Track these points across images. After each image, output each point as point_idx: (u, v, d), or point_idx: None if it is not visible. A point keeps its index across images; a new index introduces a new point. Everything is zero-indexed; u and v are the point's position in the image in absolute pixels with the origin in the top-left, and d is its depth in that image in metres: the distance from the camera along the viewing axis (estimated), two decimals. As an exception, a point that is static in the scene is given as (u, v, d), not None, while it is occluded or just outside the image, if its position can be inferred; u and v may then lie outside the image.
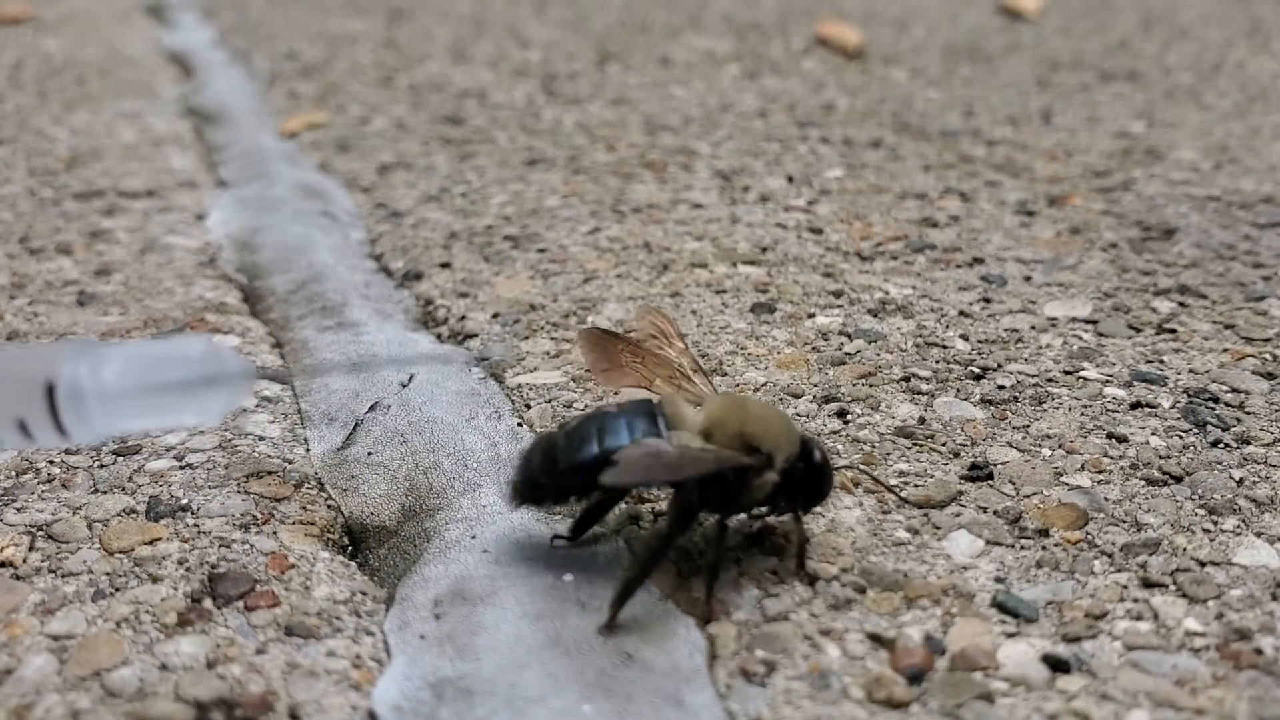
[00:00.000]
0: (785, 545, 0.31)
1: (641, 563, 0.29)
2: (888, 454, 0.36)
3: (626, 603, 0.28)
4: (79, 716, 0.26)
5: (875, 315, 0.46)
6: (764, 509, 0.31)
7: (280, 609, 0.29)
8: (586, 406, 0.39)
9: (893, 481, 0.34)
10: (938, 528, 0.32)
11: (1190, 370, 0.41)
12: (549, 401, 0.39)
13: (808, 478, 0.30)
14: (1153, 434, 0.37)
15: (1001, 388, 0.40)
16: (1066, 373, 0.41)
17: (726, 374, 0.41)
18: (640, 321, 0.36)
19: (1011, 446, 0.36)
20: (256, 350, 0.44)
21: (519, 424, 0.38)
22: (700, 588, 0.30)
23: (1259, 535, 0.32)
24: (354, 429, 0.38)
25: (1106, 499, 0.34)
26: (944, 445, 0.36)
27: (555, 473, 0.30)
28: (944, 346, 0.43)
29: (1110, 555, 0.31)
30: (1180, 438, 0.37)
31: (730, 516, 0.30)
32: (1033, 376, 0.41)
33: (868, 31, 1.01)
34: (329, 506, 0.34)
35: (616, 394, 0.39)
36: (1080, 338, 0.44)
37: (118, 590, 0.30)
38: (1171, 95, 0.81)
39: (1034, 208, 0.58)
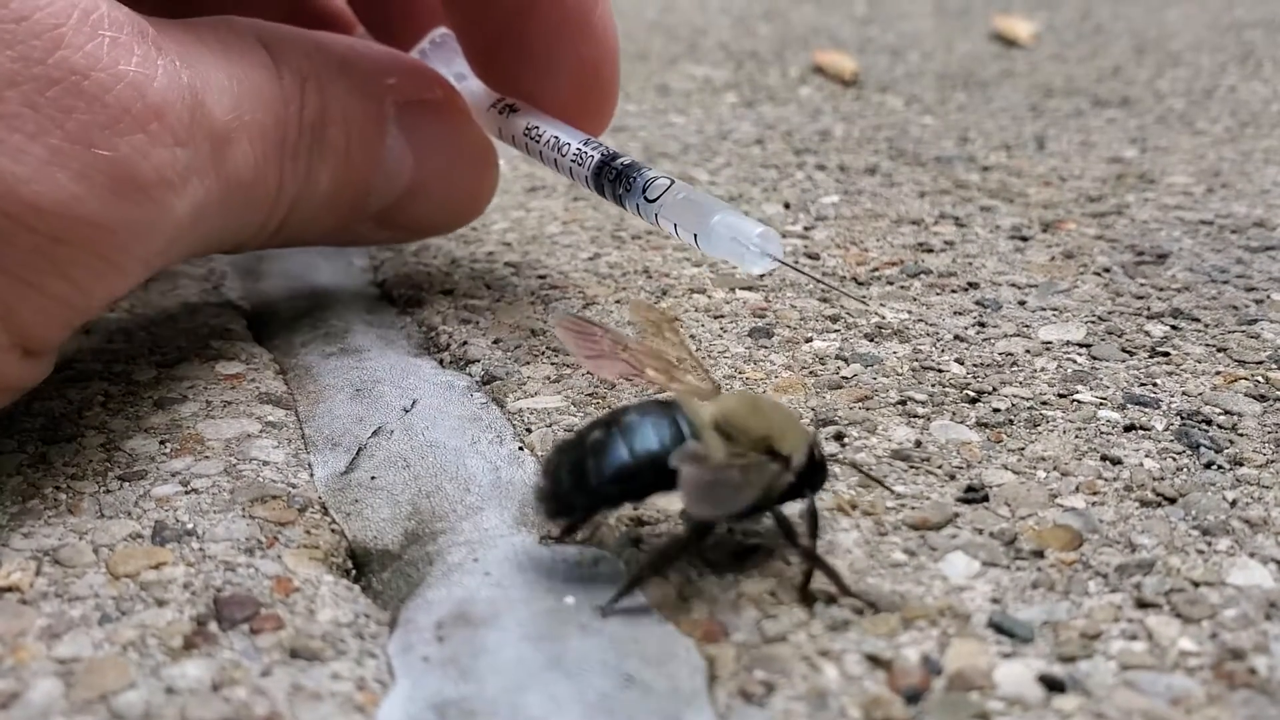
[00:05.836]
0: (787, 566, 0.32)
1: (654, 561, 0.30)
2: (885, 476, 0.36)
3: (631, 594, 0.29)
4: (86, 739, 0.26)
5: (871, 340, 0.46)
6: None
7: (285, 632, 0.29)
8: (587, 431, 0.39)
9: (889, 504, 0.35)
10: (934, 549, 0.33)
11: (1183, 393, 0.42)
12: (549, 426, 0.40)
13: (812, 472, 0.31)
14: (1146, 456, 0.38)
15: (997, 411, 0.40)
16: (1060, 396, 0.42)
17: (725, 398, 0.42)
18: (635, 315, 0.37)
19: (1007, 469, 0.37)
20: (261, 376, 0.44)
21: (520, 448, 0.39)
22: (700, 609, 0.30)
23: (1252, 556, 0.32)
24: (357, 454, 0.39)
25: (1101, 520, 0.34)
26: (940, 468, 0.37)
27: (588, 490, 0.30)
28: (940, 370, 0.44)
29: (1105, 576, 0.32)
30: (1174, 460, 0.37)
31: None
32: (1027, 399, 0.41)
33: (863, 59, 1.02)
34: (333, 530, 0.35)
35: (613, 386, 0.40)
36: (1074, 361, 0.44)
37: (124, 614, 0.30)
38: (1164, 121, 0.82)
39: (1028, 233, 0.59)
